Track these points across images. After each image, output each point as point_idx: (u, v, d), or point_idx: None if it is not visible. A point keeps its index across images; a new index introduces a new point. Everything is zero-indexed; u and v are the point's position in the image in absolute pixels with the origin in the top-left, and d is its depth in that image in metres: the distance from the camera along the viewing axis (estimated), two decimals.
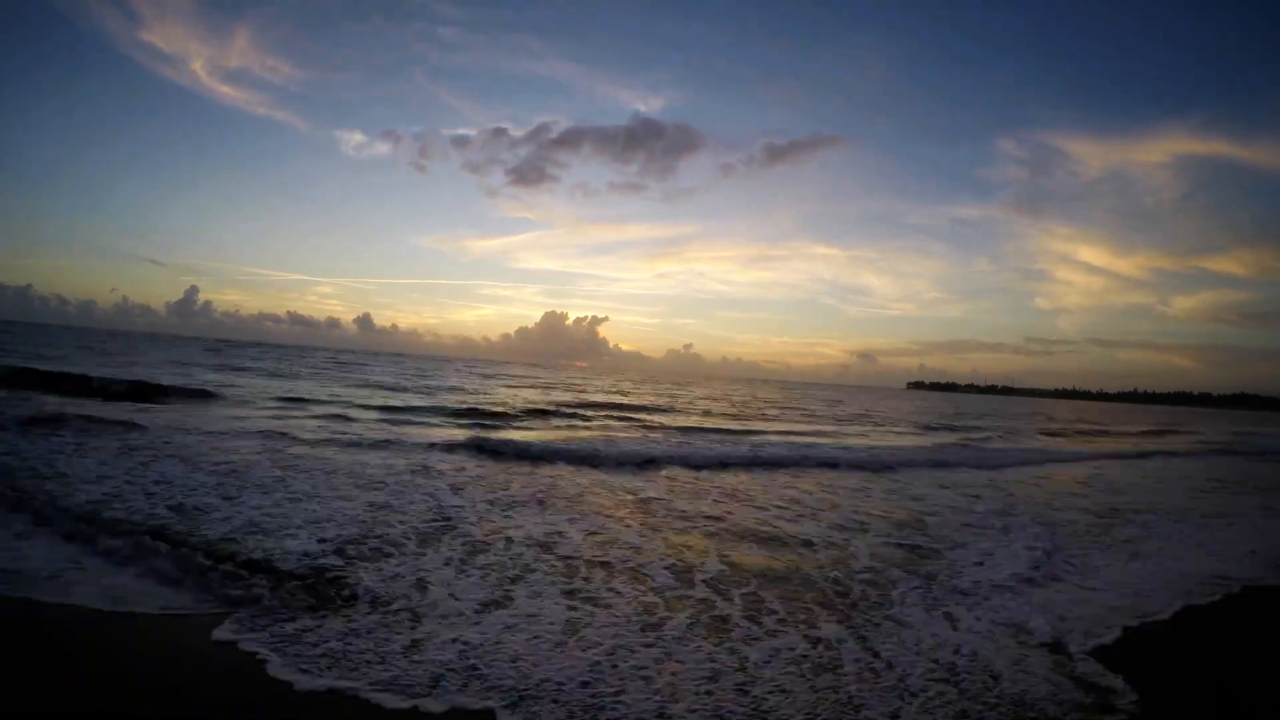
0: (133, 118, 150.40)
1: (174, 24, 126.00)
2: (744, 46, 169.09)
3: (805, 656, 3.71)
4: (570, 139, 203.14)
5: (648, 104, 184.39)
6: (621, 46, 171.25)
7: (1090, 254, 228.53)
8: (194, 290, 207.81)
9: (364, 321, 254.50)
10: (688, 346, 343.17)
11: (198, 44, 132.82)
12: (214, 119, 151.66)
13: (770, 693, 3.27)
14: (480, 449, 10.92)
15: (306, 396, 19.07)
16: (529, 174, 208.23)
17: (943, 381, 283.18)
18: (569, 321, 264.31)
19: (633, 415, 22.06)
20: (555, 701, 3.05)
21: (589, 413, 21.64)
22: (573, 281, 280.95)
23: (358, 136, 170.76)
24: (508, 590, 4.47)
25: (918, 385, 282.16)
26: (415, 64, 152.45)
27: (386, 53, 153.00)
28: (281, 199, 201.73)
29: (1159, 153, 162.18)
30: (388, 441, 11.12)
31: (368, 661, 3.34)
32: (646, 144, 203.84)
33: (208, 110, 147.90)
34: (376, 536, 5.45)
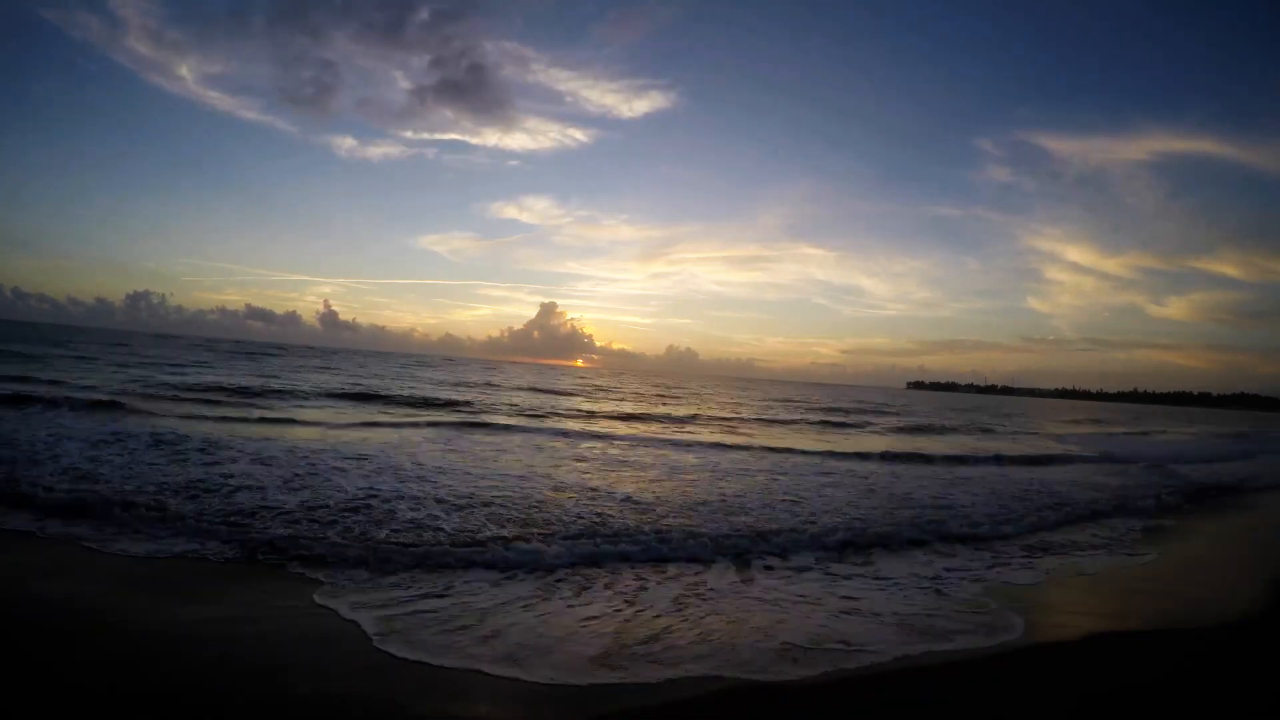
0: (125, 123, 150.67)
1: (160, 30, 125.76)
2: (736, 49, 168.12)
3: None
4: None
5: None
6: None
7: (1077, 254, 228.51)
8: (191, 290, 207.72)
9: (362, 322, 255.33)
10: (684, 347, 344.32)
11: (184, 49, 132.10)
12: (202, 124, 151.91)
13: None
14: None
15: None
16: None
17: (943, 381, 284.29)
18: (564, 321, 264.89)
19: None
20: None
21: None
22: (567, 282, 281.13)
23: (349, 140, 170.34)
24: None
25: (918, 385, 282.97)
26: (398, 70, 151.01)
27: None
28: (278, 202, 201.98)
29: (1140, 151, 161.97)
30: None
31: None
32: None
33: (195, 115, 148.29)
34: None
